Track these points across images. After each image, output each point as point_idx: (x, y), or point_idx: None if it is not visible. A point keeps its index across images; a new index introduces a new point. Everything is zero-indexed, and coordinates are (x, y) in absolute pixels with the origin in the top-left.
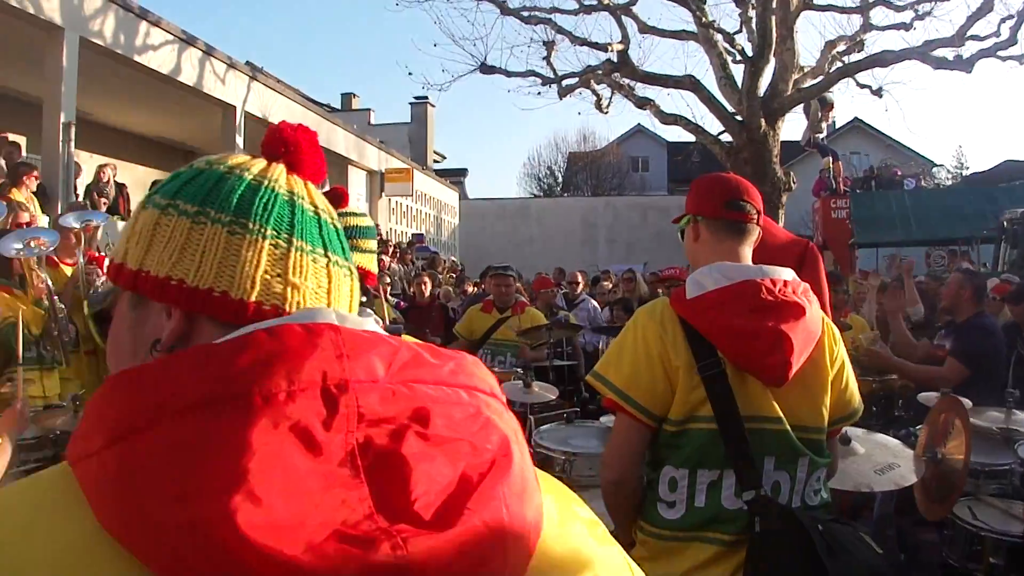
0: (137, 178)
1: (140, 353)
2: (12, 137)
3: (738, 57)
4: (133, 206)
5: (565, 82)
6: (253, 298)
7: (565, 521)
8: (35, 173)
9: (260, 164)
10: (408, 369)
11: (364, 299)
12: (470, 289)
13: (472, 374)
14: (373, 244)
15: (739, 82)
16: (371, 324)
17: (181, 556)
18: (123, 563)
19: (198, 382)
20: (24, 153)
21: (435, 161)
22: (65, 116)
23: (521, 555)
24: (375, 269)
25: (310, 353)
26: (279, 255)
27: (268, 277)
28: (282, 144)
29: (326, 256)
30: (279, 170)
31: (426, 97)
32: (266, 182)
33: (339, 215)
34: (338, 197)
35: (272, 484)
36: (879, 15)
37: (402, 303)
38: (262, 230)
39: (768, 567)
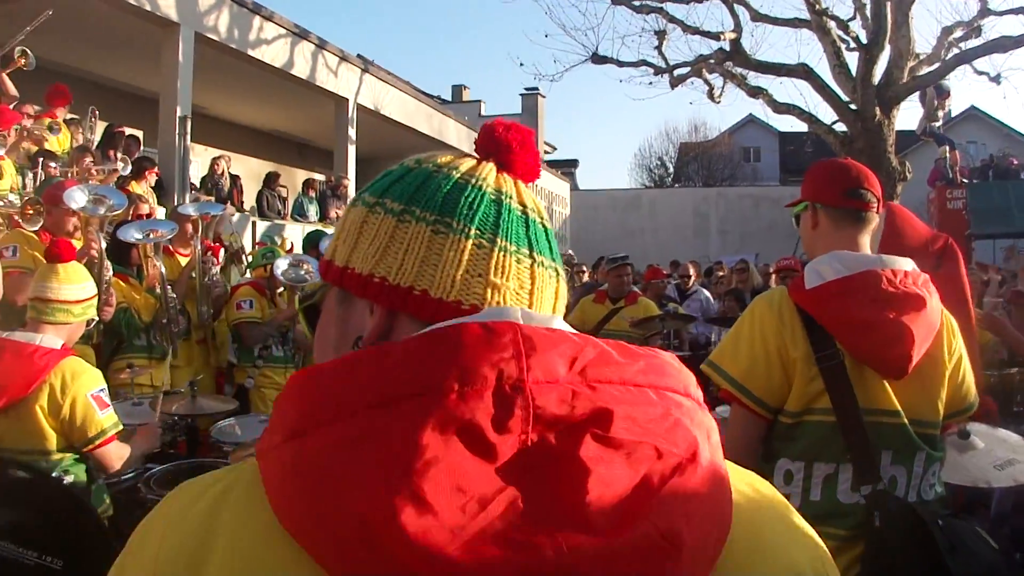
0: (250, 170)
1: (343, 349)
2: (130, 131)
3: (852, 45)
4: (246, 198)
5: (677, 72)
6: (452, 297)
7: (760, 510)
8: (156, 169)
9: (469, 163)
10: (593, 368)
11: None
12: (585, 277)
13: (664, 373)
14: None
15: (853, 70)
16: (558, 322)
17: (345, 552)
18: (293, 556)
19: (373, 380)
20: (142, 146)
21: (546, 152)
22: (181, 110)
23: (700, 563)
24: None
25: (485, 352)
26: (482, 255)
27: (469, 277)
28: (493, 143)
29: (531, 256)
30: (488, 168)
31: (536, 88)
32: (473, 180)
33: None
34: None
35: (437, 484)
36: None
37: None
38: (466, 229)
39: (887, 563)
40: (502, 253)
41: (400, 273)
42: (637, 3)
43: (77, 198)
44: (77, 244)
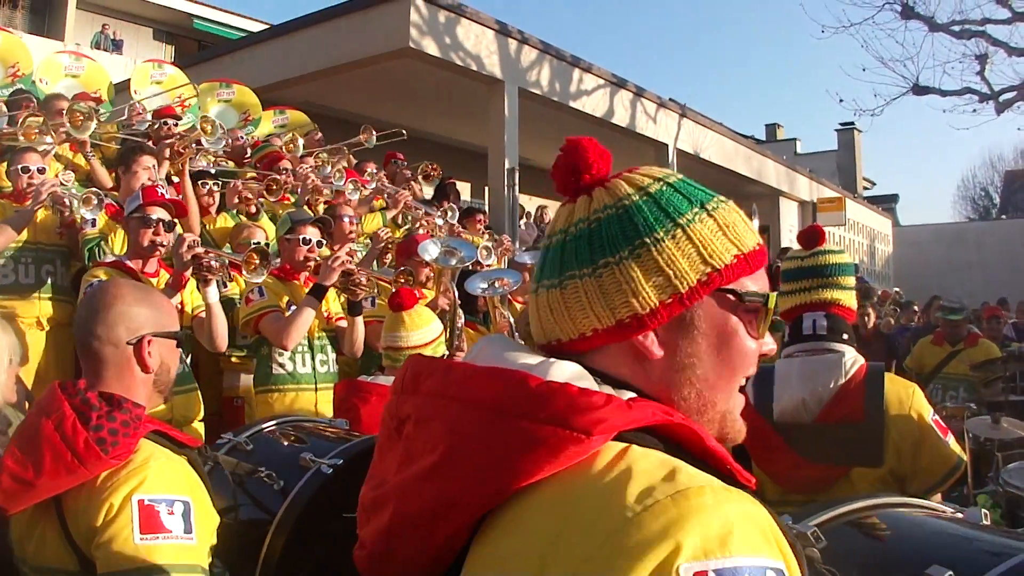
0: None
1: None
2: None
3: None
4: None
5: (1003, 97)
6: None
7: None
8: (480, 216)
9: None
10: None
11: (846, 336)
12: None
13: (470, 386)
14: (852, 280)
15: None
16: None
17: None
18: None
19: None
20: (468, 197)
21: (864, 188)
22: (509, 162)
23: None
24: (854, 305)
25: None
26: None
27: None
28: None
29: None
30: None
31: (853, 123)
32: None
33: (817, 253)
34: (815, 236)
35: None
36: None
37: None
38: None
39: None
40: None
41: None
42: (957, 28)
43: (430, 250)
44: (429, 294)
